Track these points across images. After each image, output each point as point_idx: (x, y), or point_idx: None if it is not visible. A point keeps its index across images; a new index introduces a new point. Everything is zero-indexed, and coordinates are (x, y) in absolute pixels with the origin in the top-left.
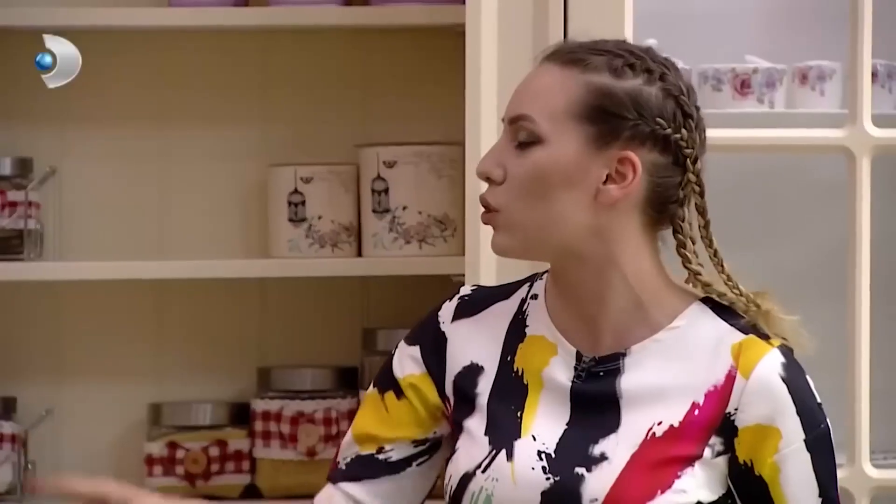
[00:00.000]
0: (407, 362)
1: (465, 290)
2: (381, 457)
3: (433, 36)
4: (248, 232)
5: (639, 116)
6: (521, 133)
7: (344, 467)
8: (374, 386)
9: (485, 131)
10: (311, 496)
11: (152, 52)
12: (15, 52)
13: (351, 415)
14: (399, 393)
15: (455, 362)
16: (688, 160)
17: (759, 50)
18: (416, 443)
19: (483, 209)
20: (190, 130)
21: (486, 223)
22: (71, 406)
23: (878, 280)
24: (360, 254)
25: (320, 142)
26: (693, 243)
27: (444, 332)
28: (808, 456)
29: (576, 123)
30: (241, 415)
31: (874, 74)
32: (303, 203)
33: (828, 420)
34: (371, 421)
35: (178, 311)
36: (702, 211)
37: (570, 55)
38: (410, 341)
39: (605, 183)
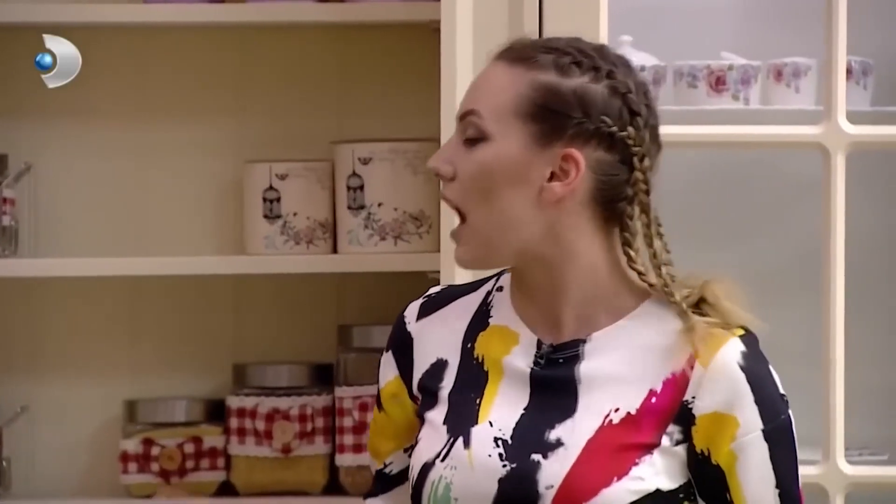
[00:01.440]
0: (385, 370)
1: (434, 289)
2: (386, 470)
3: (409, 33)
4: (223, 228)
5: (583, 114)
6: (469, 129)
7: (371, 483)
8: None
9: None
10: (285, 493)
11: (129, 48)
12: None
13: (326, 411)
14: (381, 406)
15: (422, 361)
16: (634, 158)
17: (735, 46)
18: (408, 450)
19: (455, 217)
20: (166, 127)
21: (453, 237)
22: (46, 403)
23: (852, 275)
24: (335, 250)
25: (296, 138)
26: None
27: (409, 333)
28: (765, 446)
29: (520, 121)
30: (216, 411)
31: (849, 71)
32: (278, 200)
33: (790, 412)
34: (373, 435)
35: (153, 307)
36: (645, 209)
37: (519, 53)
38: (386, 347)
39: (549, 180)
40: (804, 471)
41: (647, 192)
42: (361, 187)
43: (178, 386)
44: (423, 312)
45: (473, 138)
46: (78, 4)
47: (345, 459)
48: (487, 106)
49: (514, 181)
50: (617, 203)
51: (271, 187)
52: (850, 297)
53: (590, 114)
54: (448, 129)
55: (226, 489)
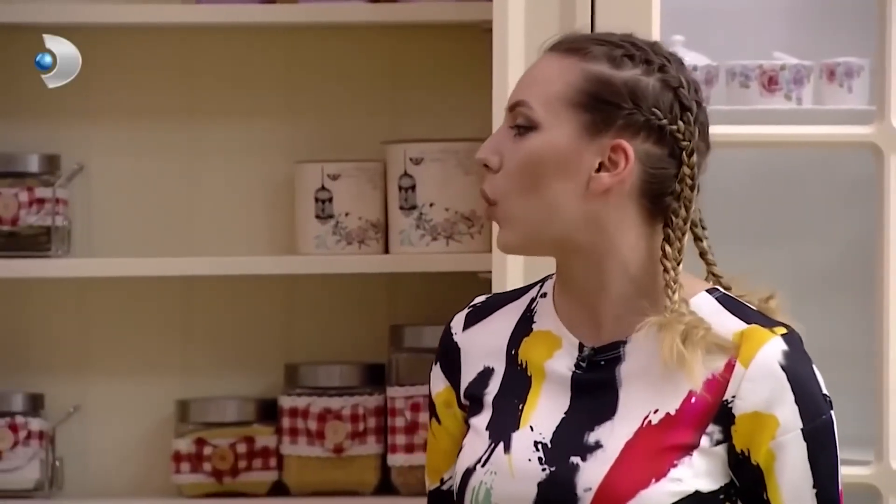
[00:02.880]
0: (435, 381)
1: (479, 298)
2: (444, 487)
3: (460, 32)
4: (275, 228)
5: (634, 106)
6: (519, 118)
7: None
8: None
9: None
10: (338, 493)
11: (180, 48)
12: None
13: (378, 411)
14: (437, 418)
15: (469, 370)
16: (683, 153)
17: (787, 46)
18: None
19: (485, 202)
20: (217, 127)
21: (488, 218)
22: (98, 402)
23: None
24: (387, 251)
25: (347, 138)
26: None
27: (456, 343)
28: (804, 445)
29: (571, 110)
30: (268, 411)
31: None
32: (330, 200)
33: (832, 413)
34: (430, 453)
35: (205, 307)
36: (686, 204)
37: (570, 44)
38: (435, 359)
39: (597, 171)
40: (856, 471)
41: (692, 188)
42: (413, 187)
43: (230, 386)
44: (469, 322)
45: (522, 126)
46: (133, 5)
47: (397, 459)
48: (538, 95)
49: (563, 170)
50: (663, 198)
51: (323, 187)
52: None
53: (641, 106)
54: None
55: (278, 489)
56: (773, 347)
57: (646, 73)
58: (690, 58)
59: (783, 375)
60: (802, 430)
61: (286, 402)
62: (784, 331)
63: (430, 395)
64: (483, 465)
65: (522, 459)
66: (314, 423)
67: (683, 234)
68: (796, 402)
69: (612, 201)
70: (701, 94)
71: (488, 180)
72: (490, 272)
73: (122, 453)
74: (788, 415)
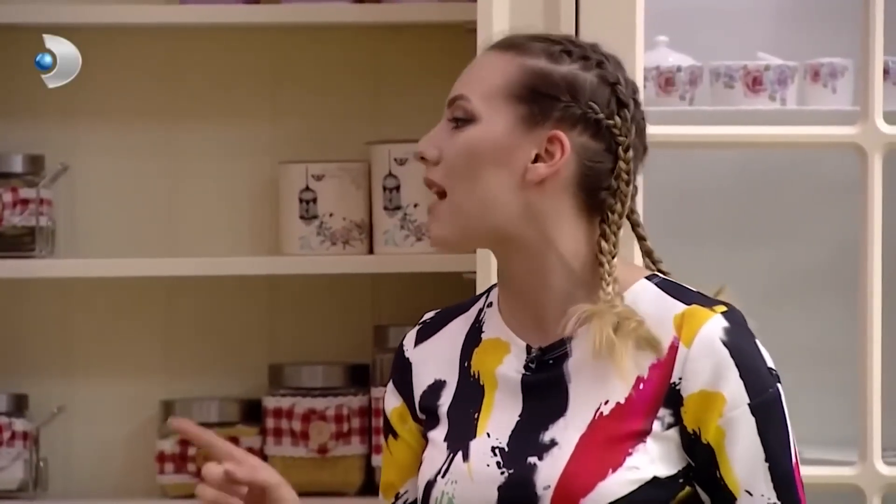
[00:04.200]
0: (389, 398)
1: (429, 314)
2: (399, 502)
3: (444, 33)
4: (258, 229)
5: (571, 99)
6: (456, 112)
7: None
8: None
9: None
10: (322, 494)
11: (164, 49)
12: (24, 49)
13: (362, 412)
14: (394, 433)
15: (420, 384)
16: (619, 148)
17: (771, 47)
18: None
19: (434, 195)
20: (201, 127)
21: (431, 212)
22: (82, 403)
23: (889, 276)
24: (371, 251)
25: (331, 139)
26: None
27: (408, 359)
28: (752, 420)
29: (508, 103)
30: (252, 412)
31: (886, 71)
32: (314, 200)
33: (778, 386)
34: (385, 470)
35: (189, 308)
36: (622, 200)
37: (510, 41)
38: (389, 376)
39: (534, 162)
40: (840, 471)
41: (628, 184)
42: (397, 188)
43: (214, 386)
44: (420, 338)
45: (460, 119)
46: (116, 6)
47: (381, 460)
48: (476, 89)
49: (499, 161)
50: (599, 192)
51: (307, 188)
52: (886, 298)
53: (578, 99)
54: None
55: None
56: (713, 325)
57: (584, 68)
58: (675, 58)
59: (725, 352)
60: (749, 404)
61: (270, 402)
62: (724, 308)
63: (384, 413)
64: (443, 476)
65: (481, 465)
66: (298, 424)
67: (619, 229)
68: (741, 377)
69: (548, 192)
70: (639, 95)
71: (429, 172)
72: (474, 272)
73: (106, 454)
74: (734, 391)
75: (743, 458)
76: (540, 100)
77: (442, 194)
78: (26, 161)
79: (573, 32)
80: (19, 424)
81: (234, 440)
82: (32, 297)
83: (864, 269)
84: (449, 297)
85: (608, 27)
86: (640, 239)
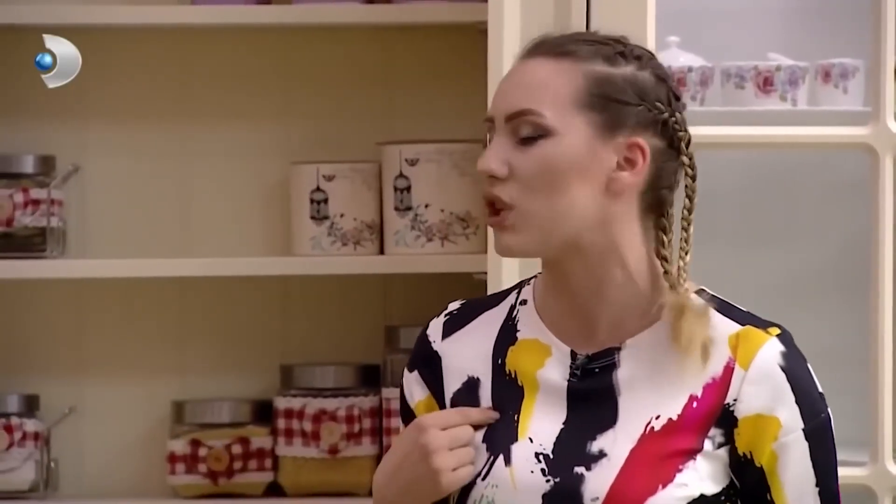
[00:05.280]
0: (414, 388)
1: (454, 305)
2: None
3: (455, 33)
4: (270, 229)
5: (640, 101)
6: (524, 128)
7: None
8: (401, 422)
9: None
10: (333, 494)
11: (175, 49)
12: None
13: (373, 412)
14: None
15: (451, 379)
16: (682, 143)
17: (782, 47)
18: None
19: (490, 210)
20: (212, 128)
21: (493, 225)
22: (93, 404)
23: None
24: (382, 251)
25: (342, 139)
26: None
27: (436, 352)
28: (806, 445)
29: (581, 113)
30: (263, 412)
31: None
32: (325, 201)
33: (829, 410)
34: None
35: (200, 308)
36: (690, 194)
37: (556, 47)
38: (410, 367)
39: (615, 171)
40: (851, 472)
41: (694, 178)
42: (408, 188)
43: (225, 387)
44: (448, 330)
45: (531, 136)
46: (128, 6)
47: None
48: (542, 101)
49: (581, 174)
50: (662, 190)
51: (318, 188)
52: None
53: (645, 100)
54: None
55: (273, 490)
56: (771, 349)
57: (640, 67)
58: (686, 59)
59: (783, 377)
60: (804, 430)
61: (281, 403)
62: (778, 331)
63: (404, 403)
64: (483, 479)
65: (524, 471)
66: (309, 424)
67: (690, 225)
68: (797, 402)
69: (625, 198)
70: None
71: (499, 187)
72: (485, 273)
73: (117, 454)
74: (789, 416)
75: (794, 482)
76: (611, 106)
77: (506, 207)
78: (37, 162)
79: None
80: (30, 425)
81: (245, 440)
82: (43, 298)
83: (875, 268)
84: (460, 298)
85: (619, 27)
86: (661, 228)
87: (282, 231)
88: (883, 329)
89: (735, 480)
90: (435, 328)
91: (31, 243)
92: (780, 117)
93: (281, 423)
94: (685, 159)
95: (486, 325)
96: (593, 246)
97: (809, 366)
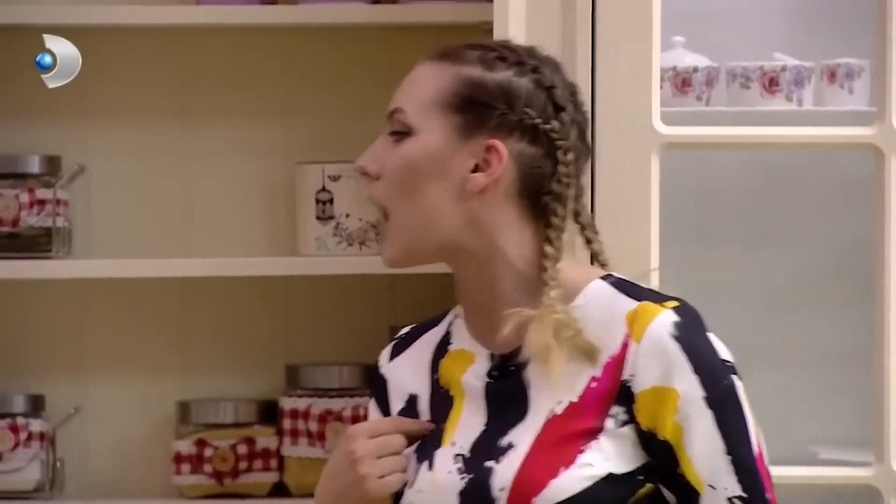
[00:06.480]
0: (372, 413)
1: (404, 330)
2: None
3: (461, 34)
4: (274, 230)
5: (507, 106)
6: (395, 125)
7: None
8: None
9: None
10: None
11: (180, 49)
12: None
13: None
14: None
15: (396, 399)
16: (559, 151)
17: (788, 47)
18: None
19: (381, 217)
20: (217, 128)
21: (379, 234)
22: (99, 404)
23: None
24: None
25: (347, 140)
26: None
27: (383, 375)
28: (711, 414)
29: (444, 113)
30: (269, 413)
31: None
32: (331, 201)
33: (735, 378)
34: None
35: (206, 308)
36: (564, 203)
37: (444, 51)
38: (371, 394)
39: (473, 171)
40: (858, 472)
41: (570, 187)
42: None
43: (230, 387)
44: (394, 353)
45: (398, 132)
46: (131, 6)
47: None
48: (411, 100)
49: (439, 173)
50: (541, 197)
51: (324, 189)
52: None
53: (513, 106)
54: None
55: (279, 490)
56: (662, 320)
57: (518, 73)
58: (691, 59)
59: (676, 346)
60: (705, 398)
61: (287, 403)
62: (676, 304)
63: None
64: (411, 487)
65: (444, 473)
66: (315, 425)
67: (562, 233)
68: (695, 371)
69: (490, 201)
70: (580, 97)
71: (371, 187)
72: None
73: (122, 454)
74: (688, 385)
75: (703, 453)
76: (475, 108)
77: (386, 216)
78: (43, 162)
79: (590, 33)
80: (36, 425)
81: (251, 441)
82: (49, 298)
83: (880, 269)
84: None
85: (625, 27)
86: (588, 242)
87: (287, 231)
88: (888, 329)
89: (649, 458)
90: (384, 353)
91: (36, 244)
92: (786, 117)
93: (286, 424)
94: (562, 168)
95: (426, 345)
96: (474, 248)
97: (712, 335)
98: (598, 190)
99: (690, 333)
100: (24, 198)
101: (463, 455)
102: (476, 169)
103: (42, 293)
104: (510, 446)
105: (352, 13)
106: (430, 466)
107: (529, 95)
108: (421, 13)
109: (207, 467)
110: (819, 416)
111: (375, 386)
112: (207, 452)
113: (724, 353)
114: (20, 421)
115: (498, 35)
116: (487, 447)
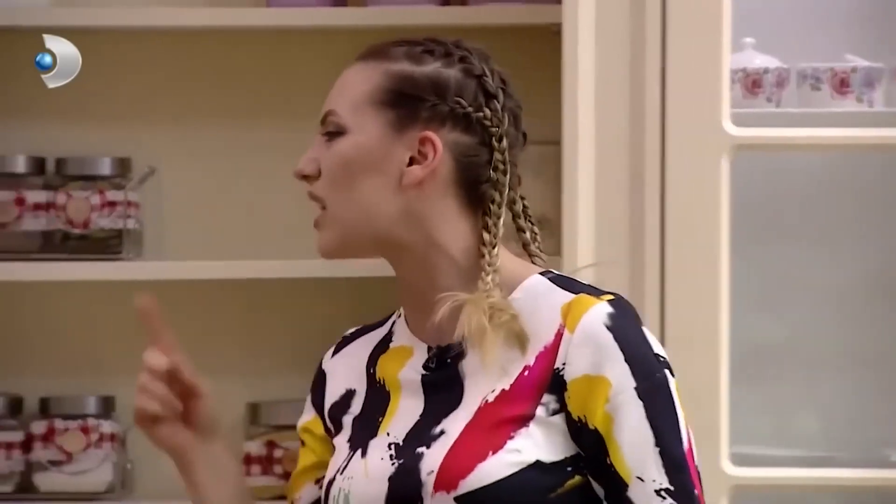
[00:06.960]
0: (305, 412)
1: (350, 330)
2: None
3: (530, 35)
4: None
5: (437, 97)
6: (329, 128)
7: None
8: None
9: (582, 130)
10: None
11: (250, 51)
12: (110, 52)
13: None
14: (302, 441)
15: (332, 394)
16: (493, 139)
17: (858, 48)
18: (319, 481)
19: (318, 208)
20: (288, 128)
21: (315, 226)
22: None
23: None
24: None
25: None
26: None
27: (323, 370)
28: (641, 405)
29: (376, 110)
30: None
31: None
32: None
33: (667, 372)
34: (292, 476)
35: (274, 309)
36: (500, 190)
37: (371, 50)
38: (309, 390)
39: (409, 165)
40: (891, 474)
41: (505, 174)
42: None
43: (300, 388)
44: (336, 350)
45: (332, 133)
46: (201, 8)
47: None
48: (343, 102)
49: (374, 168)
50: (479, 186)
51: None
52: None
53: (444, 96)
54: (570, 131)
55: None
56: (597, 311)
57: (446, 65)
58: (761, 60)
59: (609, 336)
60: (636, 388)
61: None
62: (611, 297)
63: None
64: (342, 473)
65: (376, 460)
66: None
67: (500, 219)
68: (626, 361)
69: (427, 193)
70: (510, 84)
71: (312, 187)
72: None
73: None
74: (619, 375)
75: (632, 444)
76: (406, 102)
77: (323, 207)
78: (114, 164)
79: (660, 33)
80: (107, 426)
81: None
82: (120, 299)
83: None
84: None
85: (695, 28)
86: (520, 230)
87: None
88: None
89: (580, 449)
90: (329, 351)
91: (107, 245)
92: (856, 119)
93: None
94: (497, 155)
95: (367, 342)
96: (412, 242)
97: (646, 330)
98: (668, 191)
99: (624, 324)
100: (95, 199)
101: (396, 444)
102: (412, 162)
103: (113, 294)
104: (442, 433)
105: (422, 15)
106: (364, 454)
107: (459, 85)
108: (491, 15)
109: (278, 468)
110: (892, 418)
111: (315, 383)
112: (277, 454)
113: (658, 348)
114: (91, 422)
115: (567, 36)
116: (420, 435)
